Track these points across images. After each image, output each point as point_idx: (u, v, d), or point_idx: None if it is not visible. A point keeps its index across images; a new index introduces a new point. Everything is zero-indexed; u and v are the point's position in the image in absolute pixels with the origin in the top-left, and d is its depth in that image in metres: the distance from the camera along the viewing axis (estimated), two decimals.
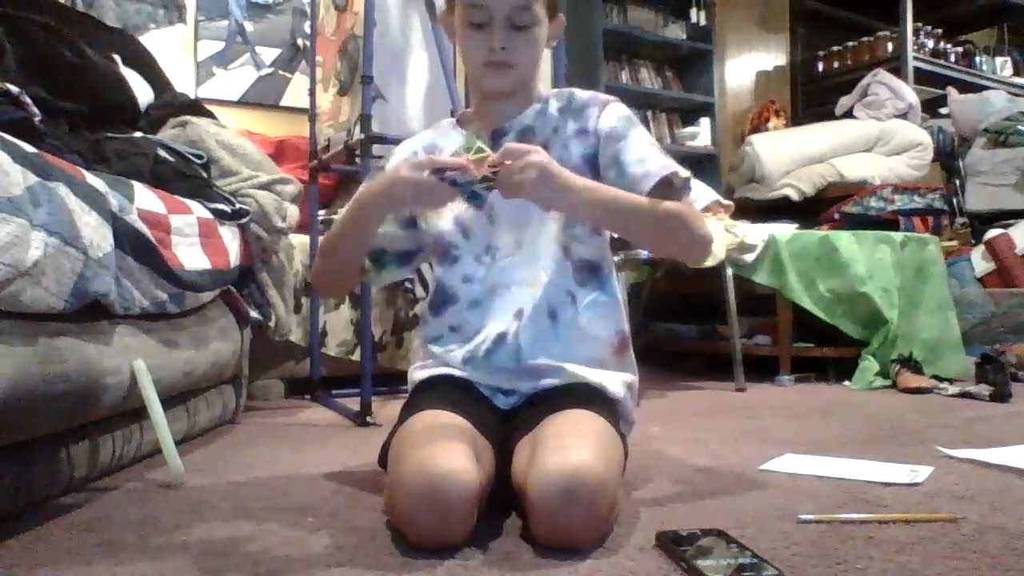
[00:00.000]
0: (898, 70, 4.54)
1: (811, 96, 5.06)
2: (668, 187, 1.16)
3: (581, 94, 1.26)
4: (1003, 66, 5.42)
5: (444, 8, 1.25)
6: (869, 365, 2.73)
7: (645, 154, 1.18)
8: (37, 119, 1.61)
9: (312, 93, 2.54)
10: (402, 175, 1.06)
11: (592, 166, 1.21)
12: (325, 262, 1.26)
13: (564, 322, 1.19)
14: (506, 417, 1.16)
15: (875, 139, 3.98)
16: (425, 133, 1.35)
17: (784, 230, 3.02)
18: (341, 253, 1.22)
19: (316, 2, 2.54)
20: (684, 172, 1.18)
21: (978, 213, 4.04)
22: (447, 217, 1.24)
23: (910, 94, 4.16)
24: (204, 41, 3.36)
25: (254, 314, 2.09)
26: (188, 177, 1.86)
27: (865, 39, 4.95)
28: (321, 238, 2.57)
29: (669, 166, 1.16)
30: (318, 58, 2.53)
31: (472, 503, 0.92)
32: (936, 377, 2.67)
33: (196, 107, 2.31)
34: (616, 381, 1.21)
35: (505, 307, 1.19)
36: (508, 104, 1.24)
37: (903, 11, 4.66)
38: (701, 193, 3.06)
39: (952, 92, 4.50)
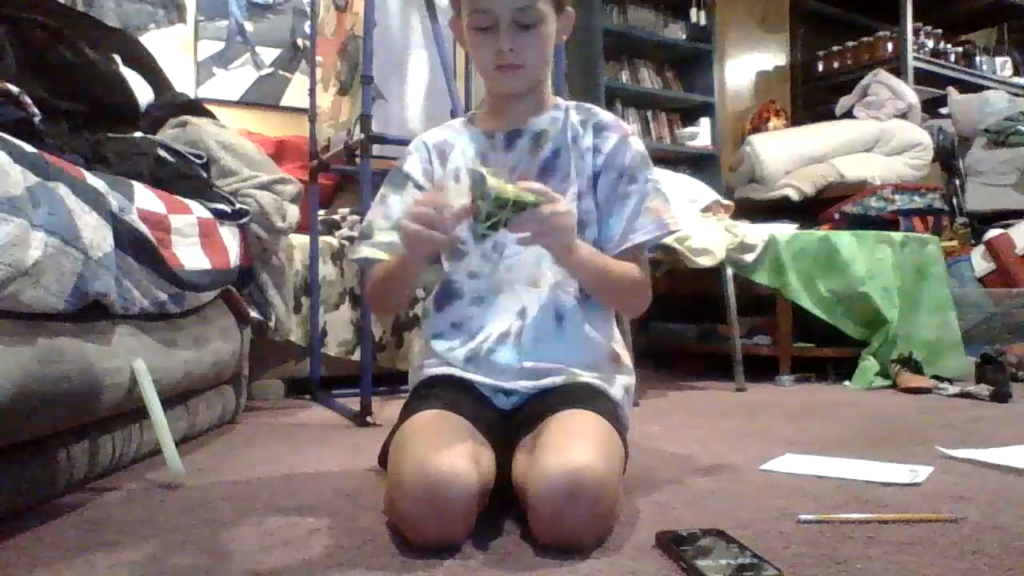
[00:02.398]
0: (898, 70, 4.54)
1: (811, 96, 5.06)
2: (641, 244, 1.20)
3: (604, 114, 1.27)
4: (1003, 66, 5.42)
5: (452, 14, 1.25)
6: (869, 365, 2.73)
7: (640, 211, 1.20)
8: (37, 119, 1.61)
9: (312, 93, 2.54)
10: (405, 231, 1.04)
11: (594, 185, 1.23)
12: (377, 303, 1.30)
13: (569, 325, 1.20)
14: (507, 417, 1.16)
15: (875, 139, 3.98)
16: (436, 130, 1.34)
17: (784, 230, 3.02)
18: (393, 296, 1.24)
19: (316, 2, 2.54)
20: (668, 227, 1.20)
21: (978, 213, 4.05)
22: None
23: (910, 94, 4.16)
24: (204, 41, 3.36)
25: (254, 314, 2.09)
26: (188, 177, 1.86)
27: (865, 39, 4.95)
28: (331, 239, 2.59)
29: (652, 231, 1.19)
30: (318, 58, 2.54)
31: (472, 503, 0.92)
32: (936, 377, 2.67)
33: (196, 107, 2.31)
34: (615, 384, 1.21)
35: (508, 305, 1.20)
36: (523, 105, 1.24)
37: (903, 11, 4.66)
38: (701, 193, 3.06)
39: (952, 92, 4.50)
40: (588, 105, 1.29)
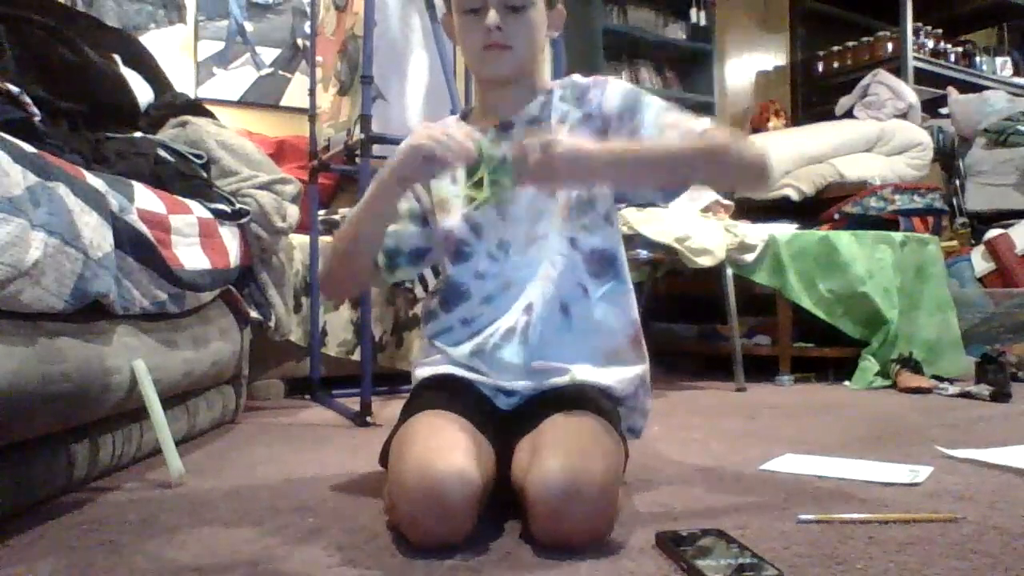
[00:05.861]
0: (898, 70, 4.54)
1: (811, 96, 5.06)
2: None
3: (581, 80, 1.27)
4: (1003, 66, 5.41)
5: (444, 11, 1.25)
6: (869, 365, 2.73)
7: (666, 122, 1.16)
8: (37, 119, 1.61)
9: (312, 93, 2.53)
10: (423, 135, 1.06)
11: None
12: (336, 259, 1.25)
13: (577, 316, 1.19)
14: (507, 417, 1.16)
15: (875, 139, 3.98)
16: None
17: (784, 230, 3.02)
18: (357, 246, 1.21)
19: (316, 2, 2.54)
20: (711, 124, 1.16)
21: (978, 213, 4.04)
22: (456, 215, 1.23)
23: (910, 94, 4.16)
24: (204, 41, 3.36)
25: (254, 314, 2.09)
26: (188, 177, 1.86)
27: (865, 39, 4.95)
28: (329, 239, 2.58)
29: (698, 125, 1.14)
30: (318, 58, 2.53)
31: (472, 504, 0.92)
32: (936, 377, 2.67)
33: (196, 107, 2.31)
34: (627, 376, 1.20)
35: (518, 302, 1.19)
36: (512, 95, 1.24)
37: (903, 11, 4.66)
38: (701, 193, 3.06)
39: (952, 92, 4.49)
40: (569, 77, 1.28)
